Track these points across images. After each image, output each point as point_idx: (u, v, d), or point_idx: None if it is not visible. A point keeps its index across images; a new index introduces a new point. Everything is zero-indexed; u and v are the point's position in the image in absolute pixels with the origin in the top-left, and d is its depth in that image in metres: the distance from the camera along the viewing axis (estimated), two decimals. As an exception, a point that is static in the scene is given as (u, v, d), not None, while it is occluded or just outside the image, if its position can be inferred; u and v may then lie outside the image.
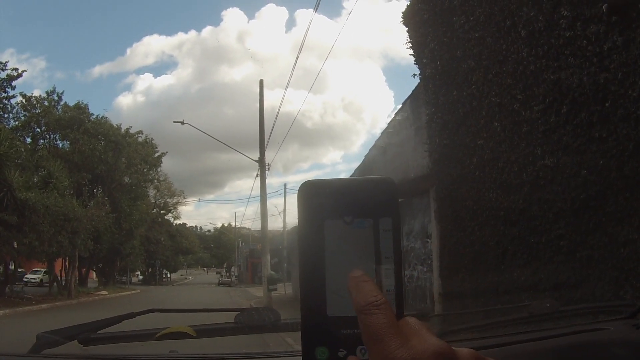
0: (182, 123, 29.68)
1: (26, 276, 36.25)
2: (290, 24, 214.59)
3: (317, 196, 0.74)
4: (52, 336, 1.78)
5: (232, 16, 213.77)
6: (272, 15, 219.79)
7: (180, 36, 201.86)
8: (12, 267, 25.52)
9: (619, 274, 6.56)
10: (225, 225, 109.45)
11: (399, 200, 0.78)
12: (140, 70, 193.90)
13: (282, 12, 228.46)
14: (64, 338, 1.79)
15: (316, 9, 35.61)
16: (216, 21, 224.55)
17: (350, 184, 0.76)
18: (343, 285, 0.71)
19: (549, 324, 2.08)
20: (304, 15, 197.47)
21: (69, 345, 1.79)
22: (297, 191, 0.75)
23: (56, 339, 1.77)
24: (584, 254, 7.17)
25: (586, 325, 1.96)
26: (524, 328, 2.10)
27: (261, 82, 28.21)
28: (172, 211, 64.88)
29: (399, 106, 15.62)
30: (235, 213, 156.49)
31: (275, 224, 58.40)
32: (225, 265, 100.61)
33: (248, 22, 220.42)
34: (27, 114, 34.08)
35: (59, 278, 28.91)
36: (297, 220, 0.75)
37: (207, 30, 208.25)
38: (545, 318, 2.05)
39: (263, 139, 27.24)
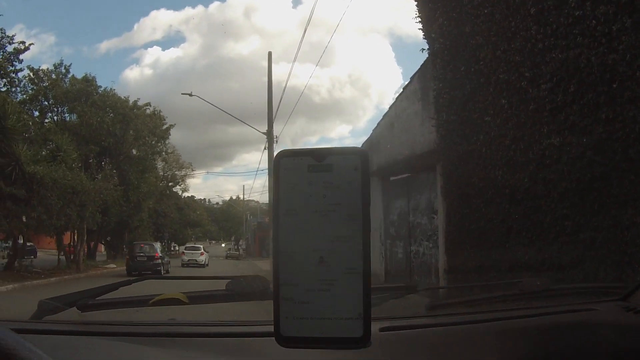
0: (190, 95, 29.73)
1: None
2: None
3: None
4: (53, 303, 1.85)
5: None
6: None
7: (188, 11, 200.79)
8: (20, 241, 25.62)
9: (621, 257, 6.57)
10: (234, 198, 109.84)
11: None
12: (147, 45, 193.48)
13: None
14: (64, 304, 1.86)
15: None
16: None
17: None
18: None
19: (539, 302, 2.08)
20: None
21: (69, 312, 1.85)
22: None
23: (56, 306, 1.84)
24: (588, 235, 7.18)
25: (575, 305, 1.96)
26: (513, 305, 2.13)
27: (269, 54, 28.27)
28: (180, 184, 64.91)
29: (407, 82, 15.56)
30: (243, 186, 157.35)
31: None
32: (233, 238, 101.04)
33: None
34: (35, 87, 33.97)
35: (67, 252, 29.03)
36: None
37: (215, 5, 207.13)
38: (536, 296, 2.06)
39: (271, 111, 27.25)
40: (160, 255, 32.25)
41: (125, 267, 30.36)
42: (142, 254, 30.85)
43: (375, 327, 1.52)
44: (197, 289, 1.99)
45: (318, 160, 0.83)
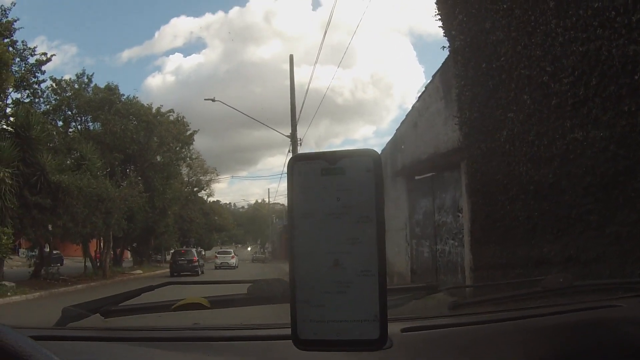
0: (213, 100, 29.85)
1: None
2: (316, 2, 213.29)
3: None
4: (77, 310, 1.87)
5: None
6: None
7: (208, 17, 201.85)
8: (47, 249, 25.90)
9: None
10: (259, 201, 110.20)
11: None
12: (169, 52, 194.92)
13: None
14: (88, 311, 1.89)
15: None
16: (242, 1, 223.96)
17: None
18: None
19: (562, 299, 2.05)
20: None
21: (92, 319, 1.88)
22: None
23: (80, 312, 1.87)
24: (613, 230, 7.09)
25: (599, 302, 1.93)
26: (536, 303, 2.09)
27: (291, 57, 28.54)
28: (205, 189, 65.24)
29: (429, 81, 15.52)
30: (268, 189, 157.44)
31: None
32: (259, 242, 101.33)
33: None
34: (58, 98, 34.32)
35: (94, 259, 29.33)
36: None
37: (235, 10, 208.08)
38: (559, 293, 2.03)
39: (294, 113, 27.31)
40: (197, 259, 39.56)
41: (169, 270, 37.55)
42: (183, 259, 38.14)
43: (397, 327, 1.53)
44: (219, 293, 2.00)
45: (331, 164, 0.84)
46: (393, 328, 1.53)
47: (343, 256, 0.82)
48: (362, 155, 0.84)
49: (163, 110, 39.94)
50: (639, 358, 1.45)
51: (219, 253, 58.13)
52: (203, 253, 72.10)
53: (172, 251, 46.09)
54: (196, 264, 38.02)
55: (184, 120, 43.35)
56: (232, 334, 1.63)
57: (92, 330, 1.75)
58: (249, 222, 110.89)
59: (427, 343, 1.51)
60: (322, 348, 0.84)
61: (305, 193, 0.84)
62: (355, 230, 0.82)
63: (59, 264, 29.50)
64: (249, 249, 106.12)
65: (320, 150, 0.86)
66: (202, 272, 38.45)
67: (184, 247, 44.78)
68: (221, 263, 52.14)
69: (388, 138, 20.12)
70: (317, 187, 0.84)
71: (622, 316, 1.75)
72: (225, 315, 2.18)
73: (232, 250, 60.65)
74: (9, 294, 17.98)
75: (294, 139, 27.04)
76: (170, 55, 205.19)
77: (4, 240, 18.19)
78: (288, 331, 0.85)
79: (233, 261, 53.24)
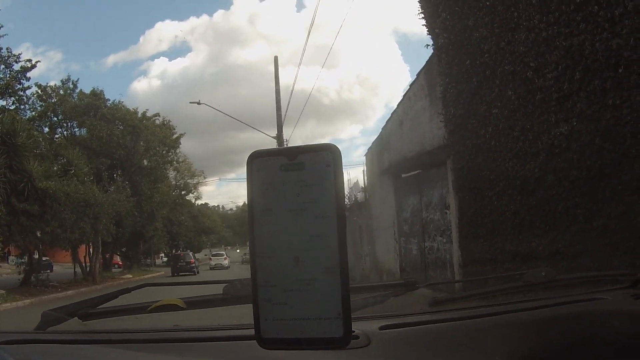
0: (199, 103, 29.97)
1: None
2: (300, 4, 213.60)
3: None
4: (55, 314, 1.87)
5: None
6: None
7: (193, 21, 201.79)
8: (36, 256, 25.81)
9: (635, 243, 6.49)
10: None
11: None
12: (154, 56, 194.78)
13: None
14: (66, 314, 1.88)
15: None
16: (226, 4, 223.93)
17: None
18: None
19: (546, 293, 2.01)
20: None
21: (71, 322, 1.87)
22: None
23: (59, 316, 1.86)
24: (600, 223, 7.10)
25: (583, 295, 1.92)
26: (519, 297, 2.08)
27: (276, 58, 28.46)
28: (193, 192, 65.37)
29: (414, 79, 15.53)
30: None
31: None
32: (248, 243, 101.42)
33: (260, 1, 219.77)
34: (44, 104, 34.23)
35: (84, 264, 29.28)
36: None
37: (219, 13, 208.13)
38: (541, 287, 2.00)
39: (280, 115, 27.38)
40: (194, 260, 46.69)
41: (170, 270, 43.87)
42: (182, 261, 44.90)
43: (375, 325, 1.51)
44: (195, 294, 2.00)
45: (290, 159, 0.82)
46: (371, 326, 1.51)
47: (304, 253, 0.80)
48: (322, 150, 0.81)
49: (149, 114, 39.95)
50: (624, 351, 1.43)
51: (213, 255, 63.46)
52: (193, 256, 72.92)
53: (169, 255, 56.92)
54: (193, 265, 44.45)
55: (170, 123, 43.52)
56: (209, 334, 1.63)
57: (70, 333, 1.75)
58: (238, 224, 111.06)
59: (405, 340, 1.48)
60: (286, 347, 0.82)
61: (265, 189, 0.82)
62: (315, 226, 0.80)
63: (48, 271, 29.33)
64: (237, 250, 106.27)
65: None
66: (198, 272, 44.01)
67: (181, 252, 53.25)
68: (215, 264, 57.61)
69: (374, 137, 20.19)
70: (277, 183, 0.82)
71: (607, 309, 1.73)
72: (206, 317, 2.17)
73: (224, 253, 66.27)
74: (-1, 301, 17.90)
75: (280, 140, 27.09)
76: (156, 60, 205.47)
77: (-8, 248, 18.14)
78: None
79: (226, 262, 58.96)
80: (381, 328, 1.50)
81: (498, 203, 9.70)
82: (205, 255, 74.43)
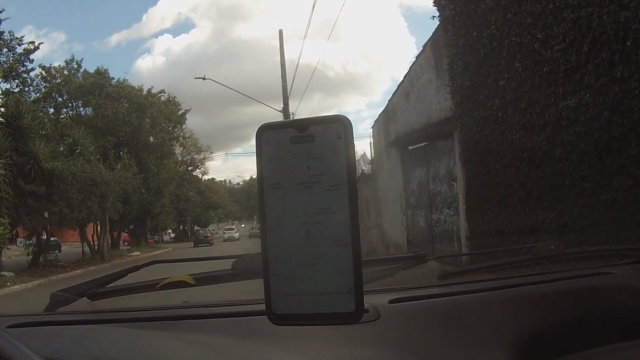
0: (204, 79, 29.79)
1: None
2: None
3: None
4: (64, 294, 1.86)
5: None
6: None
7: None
8: (44, 236, 25.87)
9: (643, 216, 6.48)
10: (254, 177, 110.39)
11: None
12: (158, 34, 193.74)
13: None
14: (75, 295, 1.87)
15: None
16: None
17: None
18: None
19: (554, 266, 2.01)
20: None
21: (80, 302, 1.87)
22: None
23: (68, 297, 1.85)
24: (608, 197, 7.09)
25: (591, 269, 1.90)
26: (527, 271, 2.07)
27: (280, 32, 28.27)
28: (199, 167, 65.45)
29: (420, 51, 15.40)
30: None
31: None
32: (255, 217, 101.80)
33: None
34: (48, 85, 34.19)
35: (92, 243, 29.38)
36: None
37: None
38: (550, 260, 1.99)
39: (286, 88, 27.26)
40: (210, 234, 58.62)
41: (192, 242, 53.67)
42: (201, 235, 55.24)
43: (384, 299, 1.51)
44: (204, 269, 1.99)
45: (300, 131, 0.80)
46: (380, 299, 1.51)
47: (315, 226, 0.79)
48: (333, 122, 0.80)
49: (154, 91, 39.85)
50: (633, 326, 1.42)
51: (226, 230, 76.23)
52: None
53: (177, 231, 71.23)
54: (210, 238, 55.49)
55: (176, 100, 43.40)
56: (219, 310, 1.63)
57: (79, 314, 1.74)
58: (245, 198, 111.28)
59: (415, 313, 1.48)
60: (298, 322, 0.81)
61: (274, 162, 0.81)
62: (326, 199, 0.78)
63: (57, 251, 29.35)
64: (243, 225, 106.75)
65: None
66: (213, 244, 52.81)
67: (201, 228, 65.57)
68: (228, 237, 67.46)
69: (381, 109, 20.03)
70: (287, 156, 0.80)
71: (616, 284, 1.72)
72: (211, 292, 2.16)
73: (234, 227, 79.85)
74: (8, 283, 17.89)
75: (286, 114, 26.99)
76: (159, 37, 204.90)
77: (0, 231, 18.14)
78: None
79: (236, 235, 69.75)
80: (391, 302, 1.50)
81: (505, 175, 9.67)
82: (213, 230, 76.62)
